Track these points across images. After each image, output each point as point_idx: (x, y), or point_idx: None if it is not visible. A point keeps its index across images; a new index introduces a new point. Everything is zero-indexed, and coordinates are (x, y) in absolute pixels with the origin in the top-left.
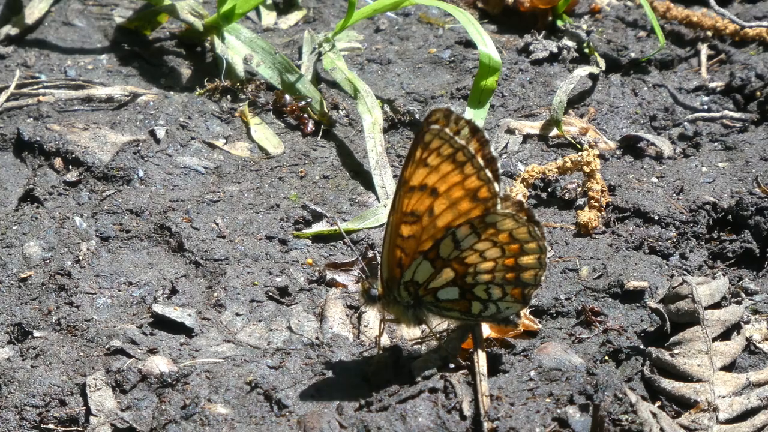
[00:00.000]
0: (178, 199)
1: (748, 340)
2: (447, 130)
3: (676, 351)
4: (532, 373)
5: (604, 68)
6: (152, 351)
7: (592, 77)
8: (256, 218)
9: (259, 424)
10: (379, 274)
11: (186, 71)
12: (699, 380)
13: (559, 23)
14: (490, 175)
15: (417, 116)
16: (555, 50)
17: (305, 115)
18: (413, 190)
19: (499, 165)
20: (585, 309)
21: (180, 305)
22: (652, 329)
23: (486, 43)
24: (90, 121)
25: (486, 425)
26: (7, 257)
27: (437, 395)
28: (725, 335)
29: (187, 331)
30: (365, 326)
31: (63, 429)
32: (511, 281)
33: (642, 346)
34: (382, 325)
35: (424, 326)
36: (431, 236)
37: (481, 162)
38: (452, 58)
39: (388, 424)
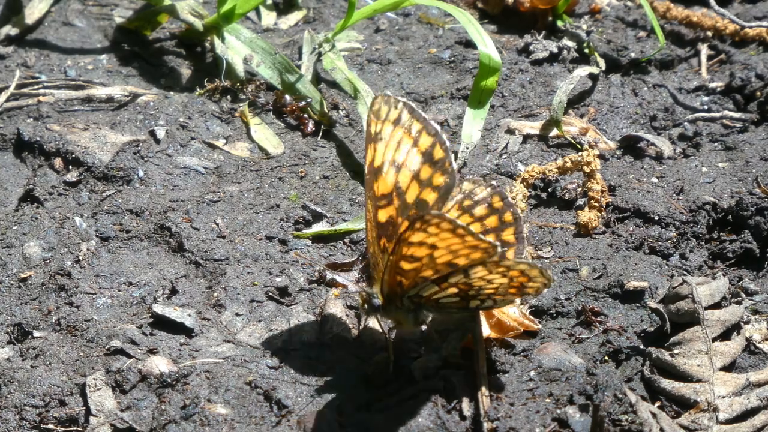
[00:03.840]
0: (178, 200)
1: (748, 340)
2: (388, 92)
3: (676, 351)
4: (532, 373)
5: (604, 68)
6: (152, 351)
7: (592, 77)
8: (256, 218)
9: (259, 424)
10: (366, 275)
11: (186, 71)
12: (699, 380)
13: (559, 23)
14: (437, 127)
15: None
16: (555, 50)
17: (305, 115)
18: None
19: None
20: (585, 309)
21: (180, 305)
22: (652, 329)
23: (486, 43)
24: (90, 121)
25: (486, 425)
26: (7, 257)
27: (437, 395)
28: (725, 335)
29: (187, 332)
30: (365, 326)
31: (63, 429)
32: (514, 293)
33: (642, 346)
34: (388, 333)
35: (423, 326)
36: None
37: (423, 113)
38: (452, 58)
39: (388, 424)
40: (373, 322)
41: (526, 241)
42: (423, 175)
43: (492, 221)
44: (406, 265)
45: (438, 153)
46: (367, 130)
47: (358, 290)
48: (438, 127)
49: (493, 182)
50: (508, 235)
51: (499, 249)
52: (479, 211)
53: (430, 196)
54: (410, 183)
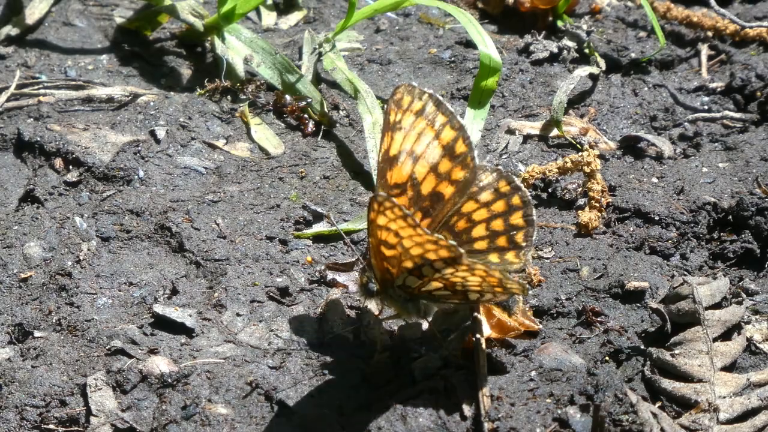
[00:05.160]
0: (178, 200)
1: (749, 340)
2: (414, 83)
3: (676, 351)
4: (533, 373)
5: (604, 68)
6: (153, 351)
7: (593, 77)
8: (257, 218)
9: (260, 424)
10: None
11: (186, 71)
12: (699, 380)
13: (560, 23)
14: (462, 121)
15: None
16: (555, 50)
17: (305, 116)
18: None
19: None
20: (585, 309)
21: (180, 305)
22: (653, 329)
23: (486, 43)
24: (90, 121)
25: (486, 425)
26: (8, 257)
27: (437, 395)
28: (726, 335)
29: (187, 332)
30: (365, 326)
31: (63, 429)
32: (501, 292)
33: (642, 347)
34: (380, 325)
35: (425, 319)
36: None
37: (450, 107)
38: (452, 59)
39: (388, 424)
40: (374, 323)
41: (536, 224)
42: (442, 168)
43: (499, 206)
44: (386, 251)
45: (460, 147)
46: (386, 119)
47: (359, 272)
48: (463, 122)
49: (500, 167)
50: (517, 218)
51: (461, 250)
52: (485, 196)
53: (447, 190)
54: (427, 175)
